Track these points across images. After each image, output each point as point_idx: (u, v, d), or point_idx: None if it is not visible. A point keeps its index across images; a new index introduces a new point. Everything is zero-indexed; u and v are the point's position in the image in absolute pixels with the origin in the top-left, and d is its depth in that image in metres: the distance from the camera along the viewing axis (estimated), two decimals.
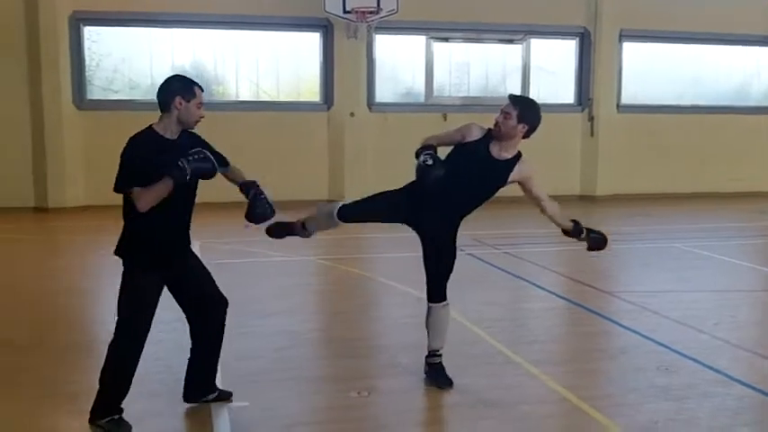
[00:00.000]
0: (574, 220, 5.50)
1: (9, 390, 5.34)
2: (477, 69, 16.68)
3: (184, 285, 4.85)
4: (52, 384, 5.45)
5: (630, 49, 17.22)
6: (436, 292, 5.40)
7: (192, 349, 4.99)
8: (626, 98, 17.30)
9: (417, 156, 5.15)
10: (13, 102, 14.25)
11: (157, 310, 4.69)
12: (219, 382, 5.12)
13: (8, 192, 14.20)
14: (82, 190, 14.58)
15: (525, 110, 5.15)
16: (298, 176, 14.76)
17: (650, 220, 13.85)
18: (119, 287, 4.62)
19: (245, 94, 15.58)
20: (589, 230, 5.54)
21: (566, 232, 5.56)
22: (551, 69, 17.05)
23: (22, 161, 14.32)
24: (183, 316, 4.97)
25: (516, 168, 5.22)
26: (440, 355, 5.45)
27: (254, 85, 15.62)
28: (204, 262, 5.03)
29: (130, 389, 4.71)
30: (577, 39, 16.95)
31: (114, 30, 14.99)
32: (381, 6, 14.74)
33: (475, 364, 5.85)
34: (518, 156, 5.24)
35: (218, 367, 5.05)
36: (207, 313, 4.92)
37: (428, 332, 5.45)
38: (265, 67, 15.50)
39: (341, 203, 5.44)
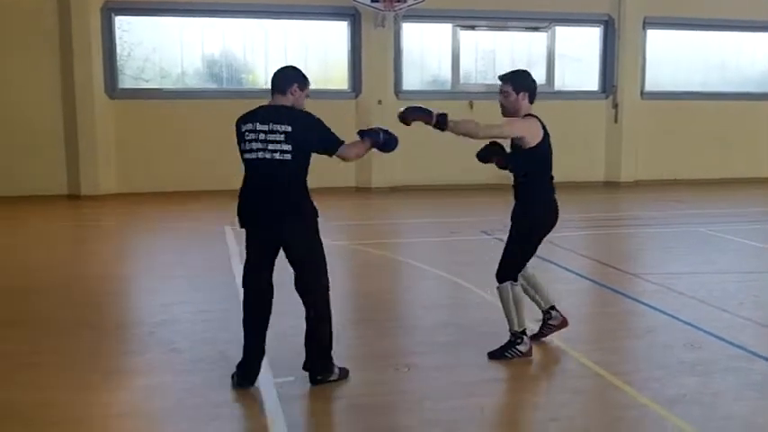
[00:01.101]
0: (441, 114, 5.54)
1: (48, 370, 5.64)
2: (503, 57, 16.82)
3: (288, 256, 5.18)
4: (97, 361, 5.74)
5: (654, 36, 17.34)
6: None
7: None
8: (649, 85, 17.42)
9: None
10: (46, 91, 14.59)
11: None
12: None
13: (42, 180, 14.57)
14: (114, 178, 14.93)
15: (516, 80, 5.61)
16: (325, 163, 14.97)
17: (674, 206, 14.00)
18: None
19: None
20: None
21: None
22: (576, 57, 17.19)
23: (55, 150, 14.68)
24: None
25: None
26: (512, 333, 5.70)
27: None
28: (240, 246, 5.29)
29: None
30: (602, 26, 17.07)
31: (145, 19, 15.29)
32: None
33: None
34: (524, 117, 5.60)
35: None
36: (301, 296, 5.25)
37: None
38: (294, 55, 15.72)
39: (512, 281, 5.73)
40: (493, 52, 16.77)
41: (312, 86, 5.35)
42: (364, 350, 5.95)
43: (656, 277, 8.27)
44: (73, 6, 14.35)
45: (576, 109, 16.37)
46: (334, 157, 5.24)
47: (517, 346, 5.66)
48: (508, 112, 5.62)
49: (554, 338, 6.07)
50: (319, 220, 5.16)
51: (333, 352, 5.25)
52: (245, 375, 5.17)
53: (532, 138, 5.54)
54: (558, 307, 6.07)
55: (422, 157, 15.63)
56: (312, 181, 5.15)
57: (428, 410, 4.83)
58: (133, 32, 15.30)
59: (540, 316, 6.10)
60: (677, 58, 17.67)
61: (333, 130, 5.17)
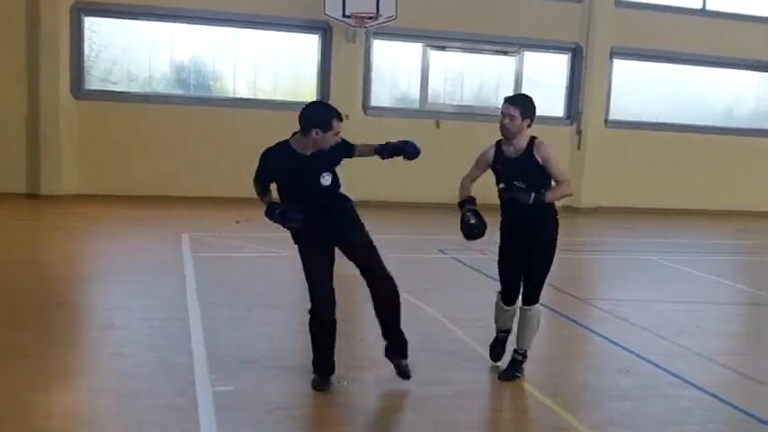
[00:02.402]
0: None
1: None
2: (472, 79, 17.05)
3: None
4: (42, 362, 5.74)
5: (621, 67, 17.63)
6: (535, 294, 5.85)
7: None
8: (614, 114, 17.70)
9: (461, 206, 5.80)
10: (11, 88, 14.47)
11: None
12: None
13: (1, 177, 14.38)
14: (75, 179, 14.81)
15: (525, 107, 5.67)
16: None
17: (631, 233, 14.23)
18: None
19: (243, 92, 15.86)
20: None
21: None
22: (543, 82, 17.41)
23: (16, 147, 14.53)
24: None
25: (536, 149, 5.63)
26: (522, 354, 5.85)
27: (251, 84, 15.93)
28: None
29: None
30: (570, 54, 17.34)
31: (115, 21, 15.21)
32: (380, 12, 15.07)
33: (452, 360, 6.18)
34: (532, 140, 5.66)
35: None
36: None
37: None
38: (264, 66, 15.80)
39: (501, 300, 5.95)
40: (462, 74, 16.97)
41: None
42: (305, 362, 5.99)
43: (603, 303, 8.42)
44: (42, 5, 14.29)
45: (540, 133, 16.04)
46: None
47: (522, 365, 5.82)
48: (509, 134, 5.65)
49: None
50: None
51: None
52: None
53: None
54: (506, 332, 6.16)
55: (386, 173, 15.72)
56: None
57: (364, 425, 4.90)
58: (102, 34, 15.24)
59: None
60: (642, 89, 17.99)
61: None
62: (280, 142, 5.35)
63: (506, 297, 5.95)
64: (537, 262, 5.74)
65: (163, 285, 8.22)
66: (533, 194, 5.51)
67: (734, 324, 8.42)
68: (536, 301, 5.81)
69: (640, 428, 4.96)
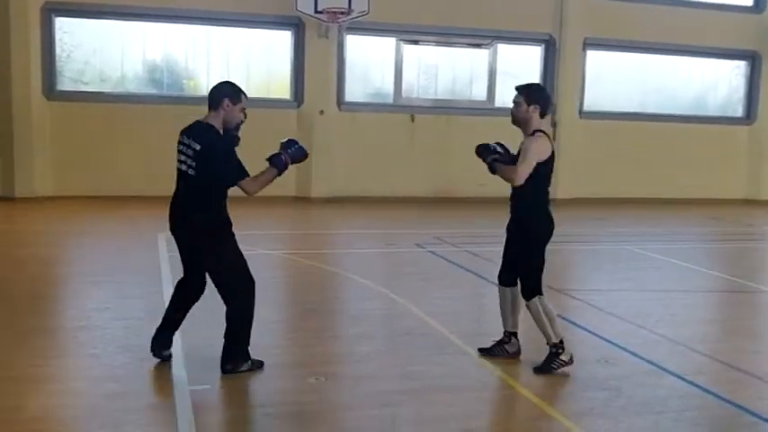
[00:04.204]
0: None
1: None
2: (445, 72, 17.06)
3: None
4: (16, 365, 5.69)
5: (594, 57, 17.71)
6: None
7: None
8: (588, 105, 17.80)
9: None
10: None
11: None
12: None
13: None
14: (50, 180, 14.68)
15: (530, 93, 5.76)
16: None
17: (606, 224, 14.33)
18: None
19: None
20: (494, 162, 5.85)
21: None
22: (517, 74, 17.38)
23: None
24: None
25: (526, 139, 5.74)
26: (551, 346, 5.83)
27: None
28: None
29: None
30: (543, 45, 17.40)
31: (86, 21, 15.09)
32: (352, 7, 15.04)
33: (429, 353, 6.17)
34: (533, 133, 5.72)
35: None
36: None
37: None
38: (236, 63, 15.72)
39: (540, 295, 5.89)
40: (435, 67, 16.97)
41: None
42: (283, 359, 5.98)
43: (579, 293, 8.47)
44: (12, 5, 14.13)
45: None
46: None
47: (560, 357, 5.78)
48: (518, 122, 5.77)
49: (472, 351, 6.17)
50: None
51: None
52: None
53: (541, 158, 5.69)
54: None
55: (362, 168, 15.75)
56: None
57: (341, 420, 4.89)
58: (73, 34, 15.09)
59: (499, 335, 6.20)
60: (616, 79, 18.11)
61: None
62: (196, 121, 5.53)
63: (499, 274, 6.09)
64: (516, 250, 5.89)
65: (139, 286, 8.17)
66: (490, 157, 5.77)
67: (709, 311, 8.49)
68: (527, 296, 5.83)
69: (618, 418, 4.98)
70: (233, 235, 5.46)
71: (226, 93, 5.41)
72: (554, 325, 5.81)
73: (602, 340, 6.64)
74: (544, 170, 5.73)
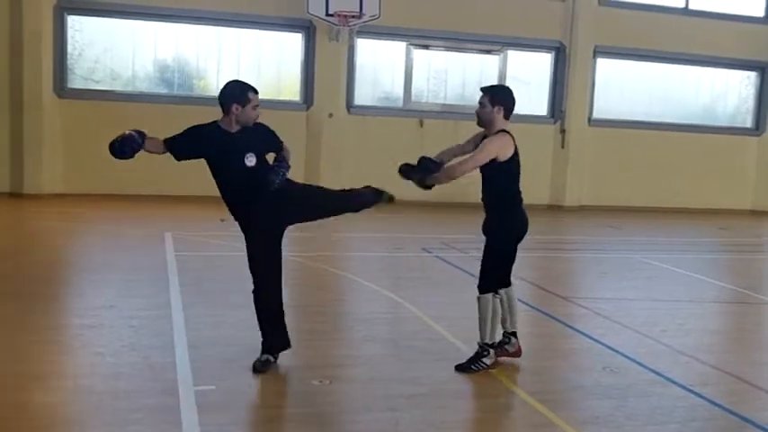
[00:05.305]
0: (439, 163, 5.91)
1: None
2: (455, 78, 17.07)
3: None
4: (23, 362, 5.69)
5: (604, 65, 17.72)
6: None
7: None
8: (597, 112, 17.80)
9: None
10: None
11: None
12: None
13: None
14: (59, 177, 14.74)
15: (494, 94, 5.82)
16: None
17: (613, 232, 14.29)
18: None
19: None
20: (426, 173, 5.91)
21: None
22: (526, 81, 17.46)
23: None
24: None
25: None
26: (480, 345, 5.83)
27: None
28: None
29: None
30: (553, 52, 17.40)
31: (98, 20, 15.17)
32: (364, 11, 15.08)
33: (434, 359, 6.16)
34: (496, 133, 5.74)
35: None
36: None
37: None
38: (247, 64, 15.76)
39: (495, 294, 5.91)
40: (445, 72, 16.99)
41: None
42: (288, 361, 5.98)
43: (585, 301, 8.46)
44: (25, 4, 14.21)
45: (524, 132, 16.22)
46: None
47: (483, 359, 5.80)
48: (482, 122, 5.82)
49: None
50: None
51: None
52: None
53: (504, 154, 5.70)
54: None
55: (370, 171, 15.70)
56: None
57: (346, 423, 4.89)
58: (85, 33, 15.17)
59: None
60: (625, 88, 18.10)
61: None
62: (209, 122, 5.60)
63: None
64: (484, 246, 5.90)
65: (146, 284, 8.18)
66: (416, 176, 5.90)
67: (716, 322, 8.47)
68: (480, 288, 5.85)
69: (622, 427, 4.97)
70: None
71: (233, 98, 5.44)
72: (495, 326, 5.85)
73: (607, 349, 6.62)
74: (511, 167, 5.77)
